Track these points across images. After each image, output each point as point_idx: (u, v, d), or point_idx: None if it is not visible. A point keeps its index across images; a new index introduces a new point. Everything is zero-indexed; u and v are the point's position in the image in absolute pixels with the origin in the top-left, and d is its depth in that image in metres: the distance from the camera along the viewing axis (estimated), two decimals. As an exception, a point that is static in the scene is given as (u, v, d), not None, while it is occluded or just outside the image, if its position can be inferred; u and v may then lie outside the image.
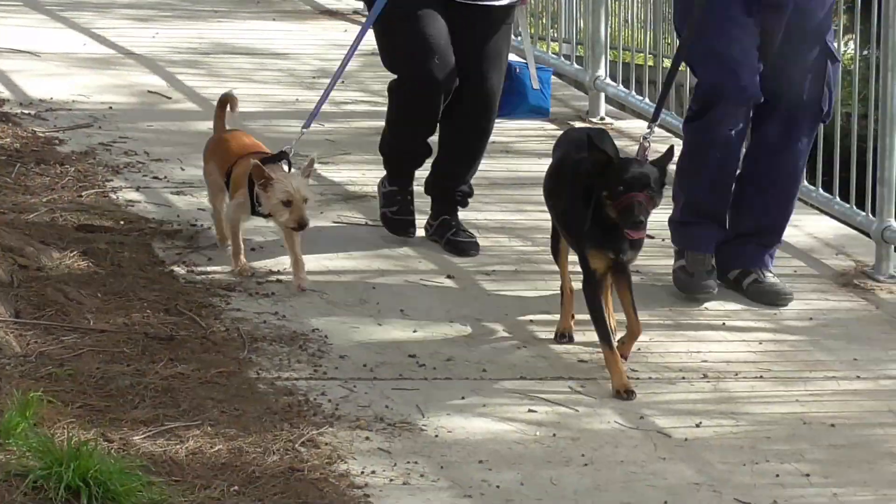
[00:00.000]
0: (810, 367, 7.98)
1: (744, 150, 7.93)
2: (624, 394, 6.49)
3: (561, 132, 8.44)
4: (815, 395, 7.48)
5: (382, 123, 10.60)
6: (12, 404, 6.55)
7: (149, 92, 12.71)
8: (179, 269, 9.05)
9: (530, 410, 7.15)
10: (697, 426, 7.10)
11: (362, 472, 6.49)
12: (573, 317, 7.14)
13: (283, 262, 9.25)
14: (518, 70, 7.97)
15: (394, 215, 8.13)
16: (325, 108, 11.90)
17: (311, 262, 9.23)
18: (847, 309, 8.00)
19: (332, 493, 6.37)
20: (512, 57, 8.21)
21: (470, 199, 8.04)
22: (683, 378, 7.81)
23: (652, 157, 6.75)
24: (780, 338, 8.36)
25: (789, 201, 7.80)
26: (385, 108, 8.82)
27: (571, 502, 6.02)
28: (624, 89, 11.91)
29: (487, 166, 10.88)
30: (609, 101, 12.18)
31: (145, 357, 7.55)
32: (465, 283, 9.10)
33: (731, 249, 7.74)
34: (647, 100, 11.13)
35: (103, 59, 13.45)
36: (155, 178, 10.55)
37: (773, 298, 7.65)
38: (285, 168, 7.10)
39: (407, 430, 7.01)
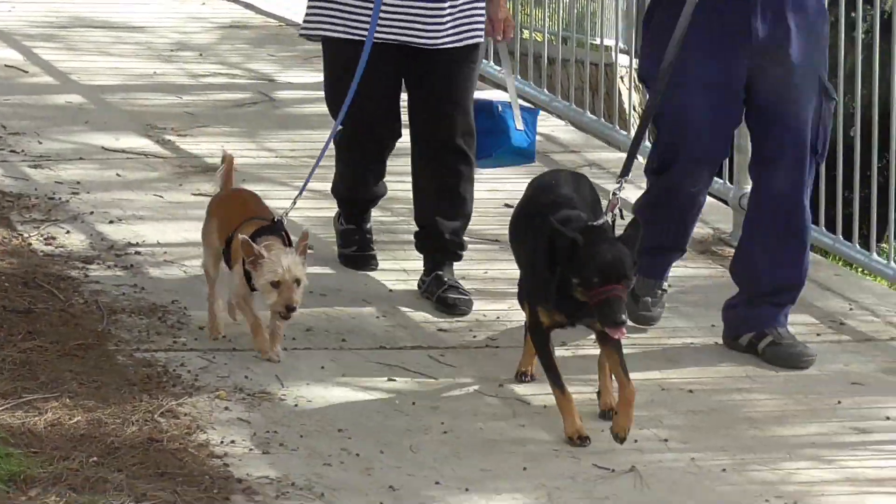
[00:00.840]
0: (668, 334, 8.03)
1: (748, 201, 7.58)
2: (577, 440, 5.98)
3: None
4: (673, 362, 7.52)
5: (240, 95, 10.68)
6: None
7: (5, 66, 12.71)
8: (37, 243, 8.99)
9: (390, 380, 7.18)
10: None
11: (221, 442, 6.51)
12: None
13: (142, 235, 9.26)
14: (500, 109, 7.49)
15: (354, 253, 7.90)
16: (184, 80, 12.20)
17: (171, 233, 9.37)
18: (705, 276, 8.05)
19: (191, 463, 6.36)
20: (498, 95, 7.93)
21: (463, 253, 7.47)
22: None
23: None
24: (638, 305, 8.73)
25: (804, 253, 7.23)
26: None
27: (431, 470, 5.97)
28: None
29: None
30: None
31: (3, 330, 7.54)
32: (325, 253, 9.10)
33: (742, 312, 7.21)
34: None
35: None
36: (13, 151, 10.58)
37: (794, 362, 6.98)
38: (280, 242, 6.57)
39: (266, 400, 7.06)
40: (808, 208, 7.10)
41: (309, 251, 6.70)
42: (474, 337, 7.48)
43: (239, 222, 6.58)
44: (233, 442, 6.53)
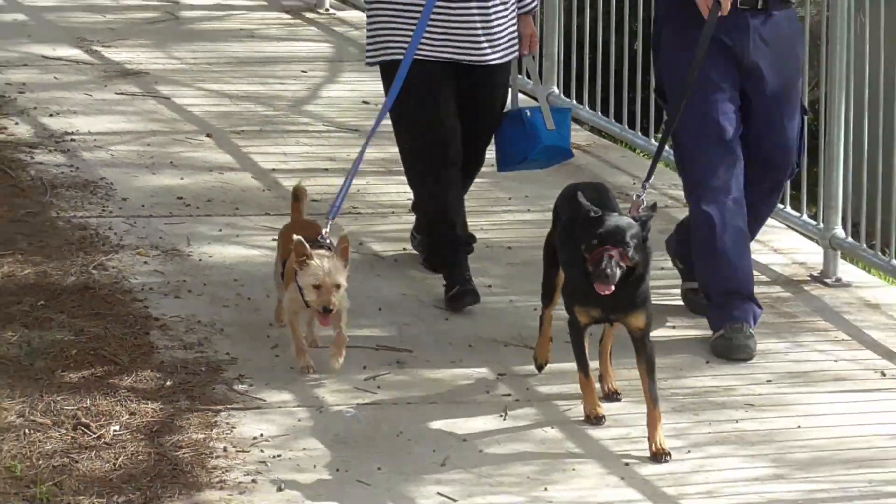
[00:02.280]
0: (491, 203, 8.91)
1: None
2: (593, 419, 5.88)
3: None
4: (496, 225, 8.48)
5: (152, 15, 11.74)
6: None
7: None
8: None
9: (273, 239, 7.75)
10: (404, 251, 8.10)
11: (142, 289, 7.59)
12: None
13: (76, 126, 10.24)
14: (529, 114, 7.11)
15: (457, 293, 7.07)
16: (107, 2, 13.07)
17: (99, 125, 10.28)
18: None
19: (118, 306, 7.41)
20: (526, 102, 7.80)
21: (474, 244, 7.21)
22: (393, 213, 8.82)
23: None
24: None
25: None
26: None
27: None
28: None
29: (235, 48, 12.19)
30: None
31: None
32: (221, 140, 10.08)
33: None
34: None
35: None
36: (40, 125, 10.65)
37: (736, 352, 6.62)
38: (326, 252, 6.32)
39: (177, 256, 8.20)
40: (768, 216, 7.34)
41: (352, 253, 6.56)
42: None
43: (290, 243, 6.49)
44: (151, 288, 7.58)
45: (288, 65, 12.19)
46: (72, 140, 9.87)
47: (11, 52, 11.85)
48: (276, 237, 6.97)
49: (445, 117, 6.79)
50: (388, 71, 6.80)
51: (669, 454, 5.49)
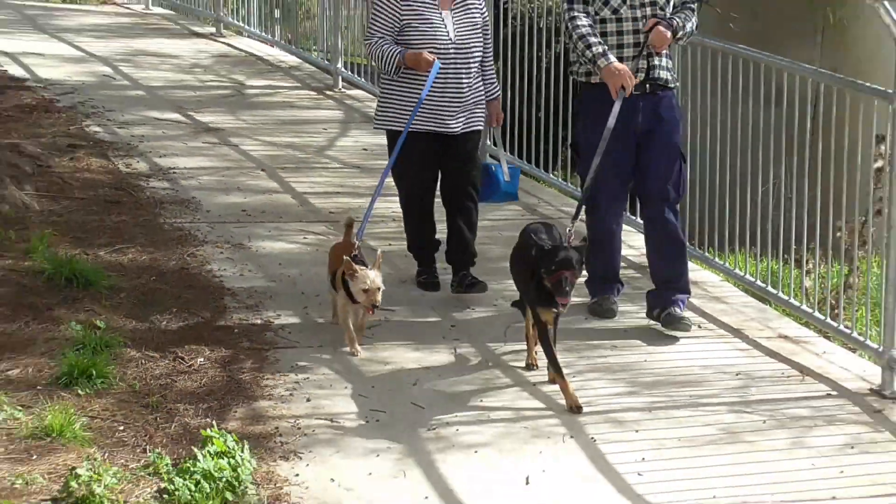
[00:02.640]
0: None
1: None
2: (576, 409, 5.66)
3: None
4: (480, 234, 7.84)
5: (226, 92, 11.86)
6: (35, 238, 7.72)
7: (103, 76, 13.00)
8: (122, 167, 9.85)
9: (305, 237, 8.40)
10: (389, 245, 7.95)
11: (219, 269, 7.69)
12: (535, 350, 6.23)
13: (176, 164, 10.00)
14: (493, 168, 7.16)
15: (424, 280, 7.06)
16: (196, 83, 13.05)
17: (190, 163, 10.19)
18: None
19: (203, 280, 7.57)
20: (489, 160, 7.58)
21: (476, 260, 7.01)
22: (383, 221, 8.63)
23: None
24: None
25: (682, 257, 6.85)
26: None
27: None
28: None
29: (279, 113, 11.96)
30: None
31: (103, 212, 8.63)
32: (271, 173, 10.06)
33: (651, 296, 6.81)
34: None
35: (78, 59, 13.64)
36: (108, 119, 11.10)
37: (677, 326, 6.56)
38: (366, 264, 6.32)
39: (241, 248, 8.15)
40: (679, 230, 6.79)
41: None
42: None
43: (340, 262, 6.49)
44: (224, 269, 7.73)
45: (314, 124, 12.16)
46: (173, 172, 9.91)
47: (135, 115, 11.59)
48: (328, 253, 6.82)
49: (422, 172, 6.73)
50: (391, 136, 6.73)
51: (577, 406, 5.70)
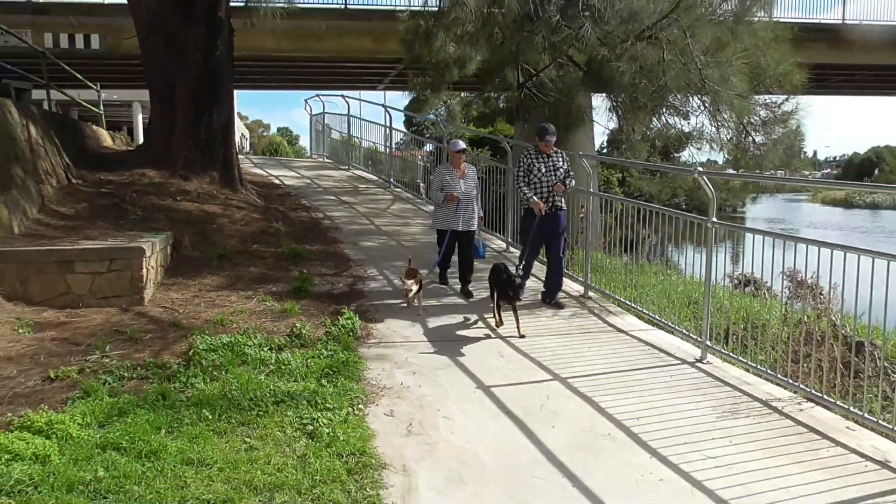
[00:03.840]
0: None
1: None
2: (521, 336, 5.64)
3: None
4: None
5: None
6: (283, 241, 7.88)
7: (308, 183, 13.32)
8: (313, 214, 10.01)
9: (384, 241, 8.49)
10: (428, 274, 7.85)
11: (347, 251, 7.91)
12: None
13: (338, 217, 9.99)
14: (479, 243, 7.11)
15: (442, 276, 7.16)
16: (349, 188, 13.25)
17: (345, 217, 10.10)
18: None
19: (342, 255, 7.79)
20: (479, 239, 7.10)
21: (471, 282, 6.96)
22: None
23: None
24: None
25: (561, 277, 6.60)
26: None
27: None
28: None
29: (369, 205, 11.66)
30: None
31: (307, 230, 8.87)
32: (375, 226, 10.21)
33: (548, 294, 6.60)
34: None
35: (298, 177, 14.10)
36: (310, 199, 11.27)
37: (559, 305, 6.49)
38: (417, 275, 6.34)
39: (357, 246, 8.24)
40: (562, 264, 6.57)
41: (423, 272, 6.44)
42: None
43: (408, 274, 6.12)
44: (349, 251, 7.95)
45: (382, 200, 11.96)
46: (331, 217, 9.98)
47: (319, 197, 11.55)
48: (404, 272, 6.41)
49: (452, 248, 6.84)
50: (440, 232, 6.87)
51: (524, 335, 5.54)
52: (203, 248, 7.15)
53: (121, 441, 3.32)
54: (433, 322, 5.85)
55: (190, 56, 8.90)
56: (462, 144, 6.77)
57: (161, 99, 9.07)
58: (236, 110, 10.15)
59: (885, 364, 4.28)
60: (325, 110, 16.85)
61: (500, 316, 5.73)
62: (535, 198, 6.25)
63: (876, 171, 73.74)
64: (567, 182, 6.40)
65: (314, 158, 17.90)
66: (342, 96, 15.74)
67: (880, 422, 3.85)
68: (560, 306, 6.45)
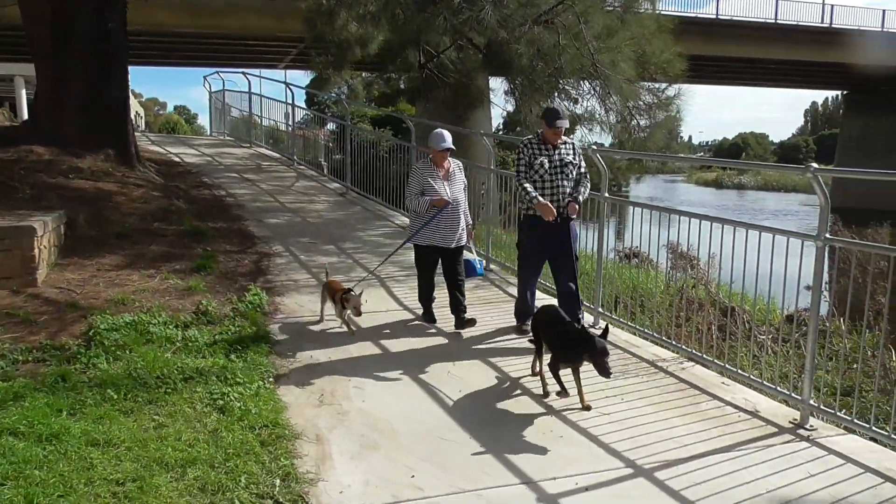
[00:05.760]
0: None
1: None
2: (585, 408, 3.84)
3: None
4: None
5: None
6: (185, 218, 7.50)
7: (209, 161, 12.69)
8: (216, 192, 9.64)
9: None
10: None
11: (252, 228, 7.55)
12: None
13: (233, 190, 9.79)
14: (472, 260, 5.62)
15: (426, 314, 5.45)
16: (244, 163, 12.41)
17: (239, 189, 9.82)
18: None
19: (246, 233, 7.52)
20: (471, 256, 5.73)
21: (465, 310, 5.31)
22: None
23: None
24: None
25: (578, 307, 4.80)
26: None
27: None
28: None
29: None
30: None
31: (210, 208, 8.48)
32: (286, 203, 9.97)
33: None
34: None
35: (199, 155, 13.75)
36: (211, 176, 10.83)
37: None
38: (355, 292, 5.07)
39: (262, 223, 7.86)
40: (576, 286, 4.84)
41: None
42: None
43: (337, 290, 5.16)
44: (254, 228, 7.57)
45: (286, 178, 11.63)
46: (235, 195, 9.71)
47: (221, 175, 11.19)
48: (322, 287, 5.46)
49: (433, 266, 5.37)
50: (419, 251, 5.40)
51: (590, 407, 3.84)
52: (100, 227, 6.81)
53: (17, 426, 3.14)
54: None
55: (80, 25, 8.31)
56: (448, 138, 5.20)
57: (48, 72, 8.48)
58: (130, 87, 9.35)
59: (753, 326, 4.53)
60: (226, 87, 16.47)
61: (559, 382, 3.92)
62: (541, 198, 4.79)
63: (742, 155, 78.68)
64: (581, 190, 4.88)
65: (215, 136, 17.29)
66: (243, 73, 15.36)
67: (751, 377, 4.11)
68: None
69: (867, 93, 35.21)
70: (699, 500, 2.85)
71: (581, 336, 3.70)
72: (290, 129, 13.39)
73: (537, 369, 4.19)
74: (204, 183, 10.11)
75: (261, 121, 15.04)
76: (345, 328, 5.03)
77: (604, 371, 3.51)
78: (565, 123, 4.78)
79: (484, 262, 6.27)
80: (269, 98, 14.89)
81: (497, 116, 23.18)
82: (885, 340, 4.32)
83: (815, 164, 3.67)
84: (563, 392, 3.84)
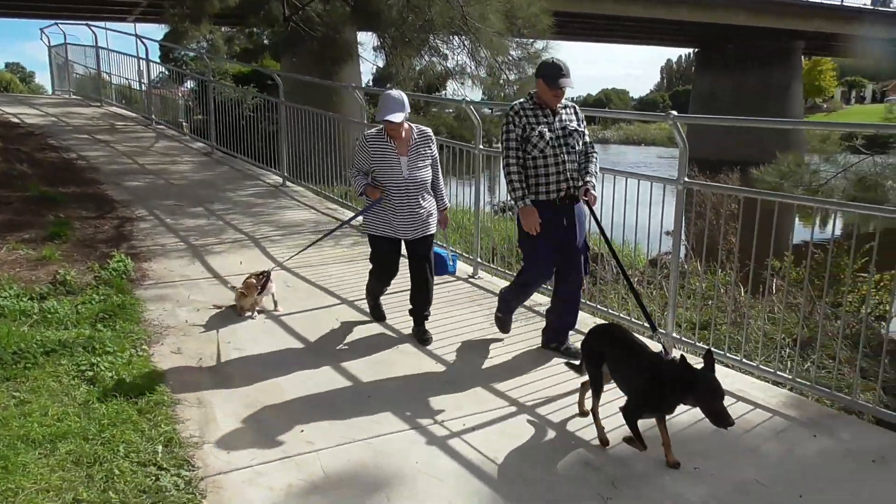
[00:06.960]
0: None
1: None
2: (673, 464, 2.80)
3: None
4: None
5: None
6: (31, 184, 7.10)
7: (54, 121, 12.17)
8: (64, 155, 9.15)
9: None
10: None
11: (110, 192, 7.20)
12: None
13: (86, 154, 9.33)
14: (444, 254, 5.45)
15: (373, 311, 4.64)
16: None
17: (93, 153, 9.42)
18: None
19: (104, 196, 7.11)
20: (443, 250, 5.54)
21: (429, 318, 4.44)
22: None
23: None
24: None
25: (577, 308, 4.08)
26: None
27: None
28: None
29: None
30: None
31: (58, 172, 8.06)
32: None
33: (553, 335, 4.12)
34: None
35: (42, 115, 12.34)
36: (58, 138, 10.46)
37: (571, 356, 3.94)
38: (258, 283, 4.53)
39: (121, 186, 7.59)
40: (580, 293, 3.96)
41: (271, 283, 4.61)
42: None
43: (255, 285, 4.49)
44: (112, 192, 7.27)
45: (145, 139, 11.36)
46: (87, 157, 9.33)
47: (69, 136, 10.72)
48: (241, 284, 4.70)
49: (391, 263, 4.42)
50: (372, 240, 4.43)
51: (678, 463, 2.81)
52: (-72, 196, 6.19)
53: None
54: (212, 261, 5.61)
55: None
56: (398, 103, 4.09)
57: None
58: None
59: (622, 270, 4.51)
60: (68, 42, 15.64)
61: (636, 434, 2.87)
62: (527, 201, 3.78)
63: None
64: (592, 169, 3.86)
65: (58, 95, 16.62)
66: (87, 25, 14.40)
67: (620, 316, 4.52)
68: (571, 353, 4.06)
69: (716, 51, 37.42)
70: (577, 431, 3.04)
71: (683, 374, 2.55)
72: (143, 86, 12.85)
73: (586, 407, 3.12)
74: (50, 145, 9.63)
75: (111, 78, 14.36)
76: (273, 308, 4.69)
77: (722, 420, 2.44)
78: (570, 83, 3.70)
79: (458, 256, 5.75)
80: (119, 52, 14.15)
81: (367, 73, 22.88)
82: (736, 278, 4.48)
83: (674, 112, 3.83)
84: (639, 444, 2.78)
